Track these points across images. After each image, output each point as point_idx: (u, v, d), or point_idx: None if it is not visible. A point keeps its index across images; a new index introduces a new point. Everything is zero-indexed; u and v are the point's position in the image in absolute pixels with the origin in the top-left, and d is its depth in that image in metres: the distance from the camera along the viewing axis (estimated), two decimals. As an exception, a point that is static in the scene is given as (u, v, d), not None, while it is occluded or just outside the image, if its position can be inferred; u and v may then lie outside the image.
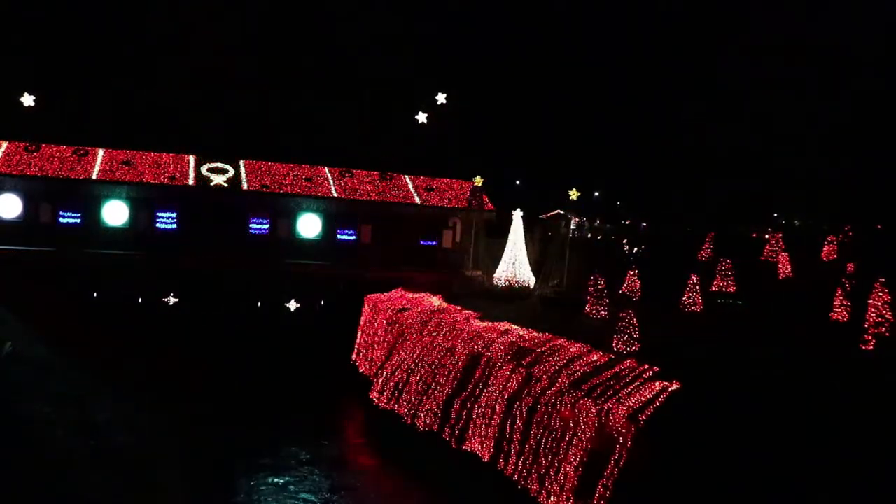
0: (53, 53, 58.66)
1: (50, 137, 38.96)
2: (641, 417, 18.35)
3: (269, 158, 42.11)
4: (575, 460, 19.28)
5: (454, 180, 43.21)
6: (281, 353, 33.67)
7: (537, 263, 34.55)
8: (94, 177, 36.86)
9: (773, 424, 17.40)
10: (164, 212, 37.86)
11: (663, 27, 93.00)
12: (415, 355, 27.19)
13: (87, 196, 36.97)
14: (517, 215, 34.29)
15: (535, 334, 25.05)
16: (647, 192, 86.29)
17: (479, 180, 36.07)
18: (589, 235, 75.61)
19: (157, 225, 37.84)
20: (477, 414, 22.97)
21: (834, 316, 29.09)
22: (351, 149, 58.51)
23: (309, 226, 40.10)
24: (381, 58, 72.88)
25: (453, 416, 23.74)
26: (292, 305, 37.55)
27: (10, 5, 57.93)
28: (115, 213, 37.39)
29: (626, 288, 33.20)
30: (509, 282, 33.59)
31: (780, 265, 40.35)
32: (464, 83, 76.13)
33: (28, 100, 37.42)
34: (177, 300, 35.85)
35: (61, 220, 36.57)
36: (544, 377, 21.68)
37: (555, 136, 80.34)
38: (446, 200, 41.62)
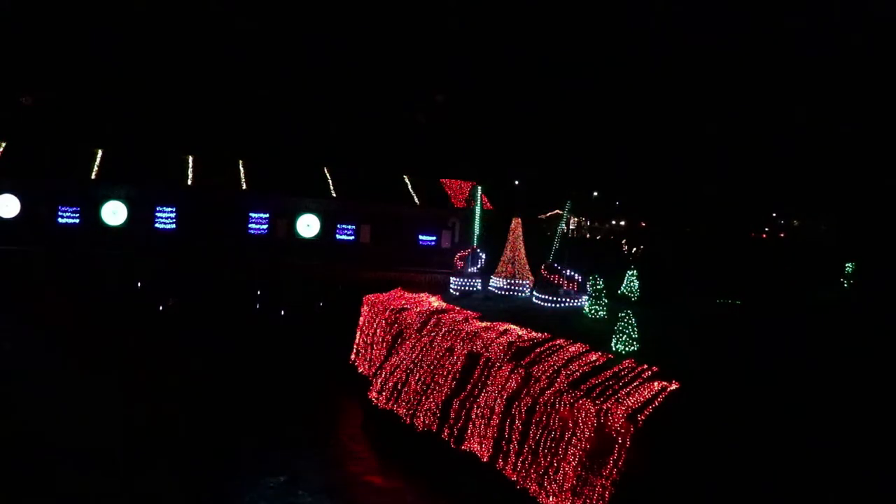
0: (52, 53, 58.71)
1: (49, 136, 38.97)
2: (640, 417, 18.38)
3: (269, 158, 42.13)
4: (574, 460, 19.30)
5: (453, 180, 43.23)
6: (279, 353, 33.68)
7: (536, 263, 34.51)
8: (92, 176, 36.83)
9: (774, 424, 17.42)
10: (163, 212, 37.83)
11: (661, 24, 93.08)
12: (413, 355, 27.19)
13: (86, 196, 36.95)
14: (516, 215, 34.31)
15: (534, 334, 25.06)
16: (645, 192, 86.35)
17: (478, 180, 36.09)
18: (587, 235, 75.67)
19: (156, 225, 37.82)
20: (476, 414, 22.97)
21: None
22: (351, 148, 58.70)
23: (308, 226, 40.09)
24: (381, 57, 72.98)
25: (452, 415, 23.74)
26: (291, 305, 37.52)
27: (10, 5, 57.95)
28: (114, 212, 37.38)
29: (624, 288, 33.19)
30: (508, 282, 33.60)
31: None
32: (463, 83, 76.29)
33: (27, 99, 37.46)
34: (175, 300, 35.82)
35: (60, 219, 36.55)
36: (543, 377, 21.69)
37: (554, 137, 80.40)
38: (446, 201, 41.63)
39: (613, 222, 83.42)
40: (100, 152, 38.74)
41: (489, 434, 22.26)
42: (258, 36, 69.40)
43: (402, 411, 25.74)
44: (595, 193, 77.67)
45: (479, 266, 34.50)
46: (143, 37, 63.93)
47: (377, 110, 69.82)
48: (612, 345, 23.46)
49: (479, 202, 35.75)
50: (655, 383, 20.11)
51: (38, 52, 58.23)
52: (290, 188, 39.69)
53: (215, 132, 56.83)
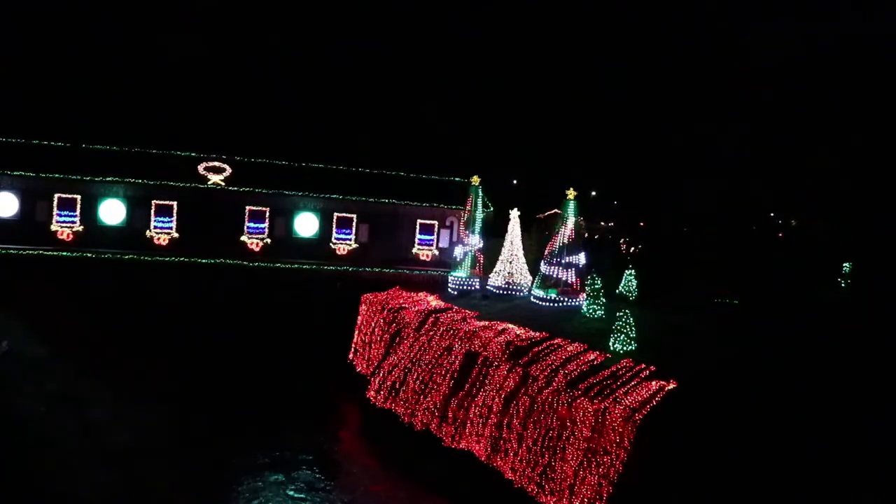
0: (52, 51, 58.69)
1: (48, 135, 38.90)
2: (638, 416, 18.41)
3: (267, 157, 42.07)
4: (572, 459, 19.33)
5: (452, 180, 43.20)
6: (278, 353, 33.65)
7: (534, 263, 34.54)
8: (91, 176, 36.73)
9: (770, 423, 17.46)
10: (162, 211, 37.80)
11: (661, 24, 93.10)
12: (412, 354, 27.22)
13: (84, 195, 36.90)
14: (514, 215, 34.31)
15: (532, 333, 25.09)
16: (644, 191, 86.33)
17: (476, 179, 36.05)
18: (586, 235, 75.48)
19: (154, 225, 37.76)
20: (474, 413, 23.00)
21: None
22: (350, 147, 58.67)
23: (306, 225, 40.08)
24: (379, 57, 72.95)
25: (450, 415, 23.78)
26: (289, 305, 37.40)
27: (11, 3, 57.92)
28: (112, 212, 37.32)
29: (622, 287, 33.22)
30: (507, 281, 33.62)
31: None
32: (462, 82, 76.27)
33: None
34: (173, 300, 35.69)
35: (58, 218, 36.50)
36: (541, 376, 21.72)
37: (552, 136, 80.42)
38: (444, 200, 41.58)
39: (606, 223, 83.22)
40: (99, 150, 38.64)
41: (487, 433, 22.30)
42: (255, 33, 69.38)
43: (400, 410, 25.77)
44: (594, 193, 77.56)
45: (462, 257, 34.99)
46: (142, 34, 63.92)
47: (376, 108, 69.84)
48: (610, 344, 23.49)
49: (478, 199, 35.77)
50: (653, 382, 20.15)
51: (37, 48, 58.26)
52: (288, 187, 39.63)
53: (214, 131, 56.87)
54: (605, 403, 19.32)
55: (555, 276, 31.45)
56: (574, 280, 31.30)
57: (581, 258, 31.84)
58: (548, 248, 32.43)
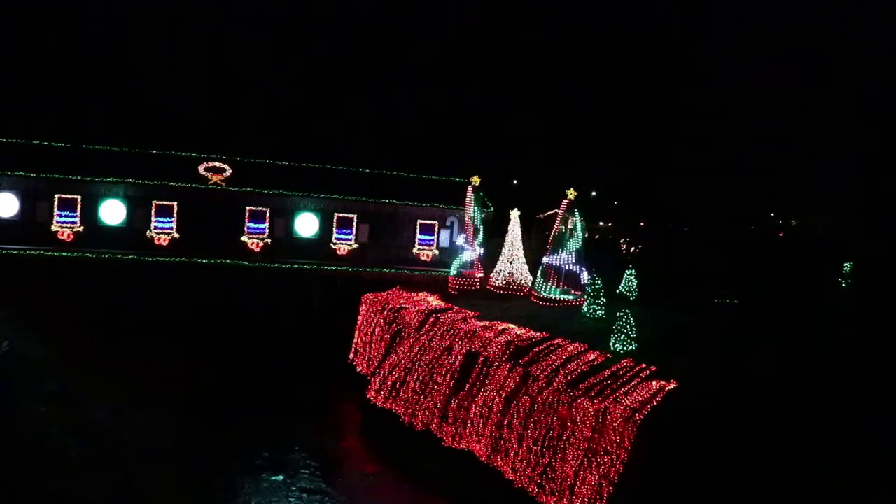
0: (52, 51, 58.76)
1: (48, 135, 38.92)
2: (639, 417, 18.41)
3: (267, 157, 42.10)
4: (573, 459, 19.33)
5: (452, 180, 43.23)
6: (278, 353, 33.66)
7: (535, 263, 34.60)
8: (91, 176, 36.74)
9: (770, 423, 17.45)
10: (162, 211, 37.80)
11: (661, 24, 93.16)
12: (412, 354, 27.21)
13: (85, 195, 36.90)
14: (514, 215, 34.33)
15: (532, 333, 25.10)
16: (644, 191, 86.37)
17: (476, 179, 36.10)
18: (585, 235, 75.46)
19: (155, 225, 37.76)
20: (474, 413, 23.00)
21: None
22: (349, 147, 58.75)
23: (306, 225, 40.08)
24: (379, 57, 73.03)
25: (451, 415, 23.78)
26: (289, 305, 37.44)
27: (10, 3, 57.97)
28: (112, 212, 37.31)
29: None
30: (507, 281, 33.63)
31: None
32: (462, 81, 76.34)
33: None
34: (174, 300, 35.71)
35: (59, 219, 36.52)
36: (542, 376, 21.72)
37: (552, 135, 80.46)
38: (444, 200, 41.61)
39: (606, 223, 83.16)
40: (98, 151, 38.66)
41: (488, 433, 22.29)
42: (255, 33, 69.44)
43: (400, 410, 25.76)
44: (594, 193, 77.58)
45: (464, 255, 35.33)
46: (142, 34, 64.01)
47: (376, 108, 69.92)
48: (611, 344, 23.50)
49: (478, 199, 35.81)
50: (654, 383, 20.15)
51: (36, 49, 58.30)
52: (288, 187, 39.64)
53: (214, 131, 56.94)
54: (606, 403, 19.32)
55: (555, 267, 31.59)
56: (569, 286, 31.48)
57: (584, 274, 31.82)
58: (550, 240, 32.59)
